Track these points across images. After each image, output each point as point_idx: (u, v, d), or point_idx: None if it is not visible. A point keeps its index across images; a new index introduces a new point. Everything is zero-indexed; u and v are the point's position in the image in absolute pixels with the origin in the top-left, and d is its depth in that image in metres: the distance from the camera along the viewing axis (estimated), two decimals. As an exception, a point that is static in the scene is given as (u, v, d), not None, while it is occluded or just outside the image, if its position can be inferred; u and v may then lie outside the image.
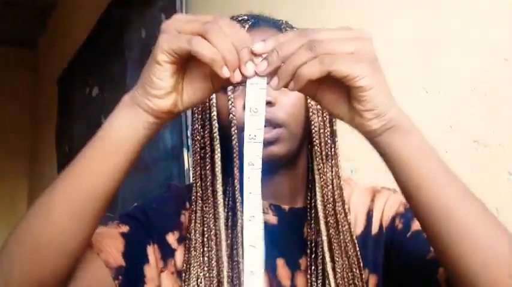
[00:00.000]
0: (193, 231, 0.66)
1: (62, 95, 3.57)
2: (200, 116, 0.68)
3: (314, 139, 0.64)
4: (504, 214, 0.83)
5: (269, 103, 0.58)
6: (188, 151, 1.77)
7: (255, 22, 0.66)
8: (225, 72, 0.46)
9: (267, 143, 0.58)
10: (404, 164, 0.47)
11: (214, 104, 0.65)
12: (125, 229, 0.67)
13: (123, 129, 0.53)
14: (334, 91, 0.48)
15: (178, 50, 0.47)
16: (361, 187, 0.72)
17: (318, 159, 0.64)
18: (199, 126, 0.68)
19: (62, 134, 3.52)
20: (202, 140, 0.67)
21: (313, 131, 0.64)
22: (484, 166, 0.86)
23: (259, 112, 0.48)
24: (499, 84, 0.85)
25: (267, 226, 0.54)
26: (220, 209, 0.64)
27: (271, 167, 0.60)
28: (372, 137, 0.49)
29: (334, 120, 0.67)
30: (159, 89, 0.50)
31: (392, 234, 0.65)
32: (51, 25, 4.05)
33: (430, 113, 0.96)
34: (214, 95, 0.65)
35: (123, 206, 2.36)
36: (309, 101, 0.64)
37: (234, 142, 0.63)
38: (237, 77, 0.47)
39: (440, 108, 0.95)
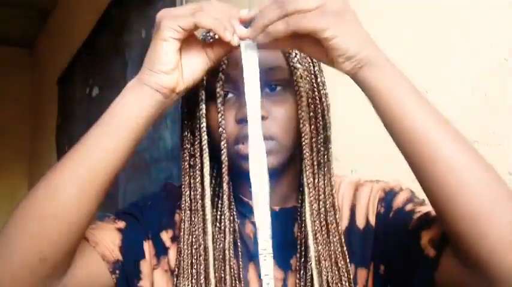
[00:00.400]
0: (182, 241, 0.66)
1: (62, 95, 3.57)
2: (190, 123, 0.67)
3: (304, 151, 0.63)
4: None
5: (261, 117, 0.59)
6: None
7: None
8: (227, 35, 0.53)
9: None
10: (379, 95, 0.52)
11: (203, 114, 0.64)
12: (121, 224, 0.68)
13: (132, 108, 0.57)
14: (313, 42, 0.52)
15: (183, 24, 0.53)
16: (347, 180, 0.72)
17: (308, 172, 0.63)
18: (189, 133, 0.67)
19: (62, 134, 3.52)
20: (191, 148, 0.67)
21: (304, 143, 0.63)
22: (484, 166, 0.86)
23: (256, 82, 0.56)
24: (499, 84, 0.85)
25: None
26: (209, 225, 0.63)
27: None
28: (350, 76, 0.55)
29: (328, 125, 0.66)
30: (165, 64, 0.56)
31: (379, 222, 0.66)
32: (51, 25, 4.05)
33: (430, 113, 0.96)
34: (203, 105, 0.64)
35: (123, 205, 2.36)
36: (299, 111, 0.63)
37: (223, 157, 0.63)
38: (236, 40, 0.54)
39: (440, 108, 0.94)
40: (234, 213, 0.67)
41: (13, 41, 4.43)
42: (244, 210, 0.68)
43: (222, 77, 0.62)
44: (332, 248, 0.63)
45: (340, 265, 0.63)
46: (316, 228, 0.63)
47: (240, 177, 0.64)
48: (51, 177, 0.57)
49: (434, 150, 0.50)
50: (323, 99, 0.65)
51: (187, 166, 0.67)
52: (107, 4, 2.57)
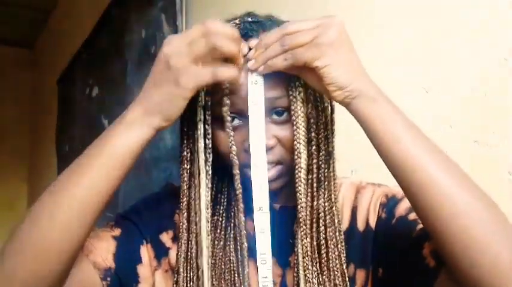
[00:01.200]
0: (179, 256, 0.66)
1: (62, 95, 3.57)
2: (191, 143, 0.65)
3: (297, 175, 0.61)
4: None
5: (270, 147, 0.61)
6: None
7: (245, 34, 0.64)
8: (241, 82, 0.58)
9: (269, 181, 0.61)
10: (372, 126, 0.54)
11: (201, 135, 0.63)
12: (117, 232, 0.69)
13: (134, 144, 0.59)
14: (310, 71, 0.55)
15: (203, 83, 0.55)
16: (347, 182, 0.73)
17: (302, 195, 0.61)
18: (189, 154, 0.65)
19: (62, 134, 3.52)
20: (191, 169, 0.65)
21: (297, 167, 0.61)
22: (484, 166, 0.86)
23: (260, 105, 0.59)
24: (499, 84, 0.85)
25: None
26: (205, 247, 0.63)
27: (270, 196, 0.62)
28: (344, 105, 0.57)
29: (330, 140, 0.64)
30: (179, 112, 0.57)
31: (380, 226, 0.66)
32: (51, 25, 4.05)
33: (430, 113, 0.96)
34: (202, 125, 0.63)
35: (123, 205, 2.36)
36: (295, 137, 0.61)
37: (236, 183, 0.61)
38: (243, 78, 0.59)
39: (440, 108, 0.95)
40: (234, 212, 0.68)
41: (13, 41, 4.43)
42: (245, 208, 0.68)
43: (227, 102, 0.60)
44: (331, 266, 0.63)
45: (333, 267, 0.63)
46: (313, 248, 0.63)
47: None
48: (47, 203, 0.58)
49: (426, 180, 0.51)
50: (328, 125, 0.64)
51: (186, 187, 0.66)
52: (107, 4, 2.57)
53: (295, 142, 0.61)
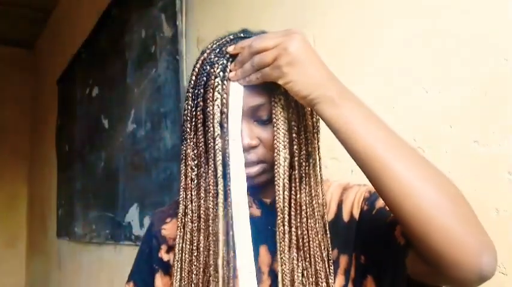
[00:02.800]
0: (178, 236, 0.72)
1: (62, 95, 3.57)
2: (199, 144, 0.69)
3: (277, 171, 0.66)
4: (504, 214, 0.84)
5: (252, 147, 0.67)
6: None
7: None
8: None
9: (252, 176, 0.68)
10: (336, 129, 0.60)
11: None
12: (131, 284, 0.82)
13: None
14: None
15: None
16: (335, 184, 0.79)
17: (280, 188, 0.66)
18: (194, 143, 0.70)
19: (62, 134, 3.52)
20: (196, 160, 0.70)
21: (276, 169, 0.66)
22: (484, 166, 0.86)
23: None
24: (499, 84, 0.85)
25: (252, 218, 0.65)
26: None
27: (255, 188, 0.70)
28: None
29: (310, 141, 0.70)
30: None
31: (362, 217, 0.71)
32: (51, 25, 4.05)
33: (430, 113, 0.96)
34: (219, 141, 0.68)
35: (123, 205, 2.37)
36: (275, 140, 0.67)
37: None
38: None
39: (440, 108, 0.95)
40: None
41: (13, 41, 4.44)
42: None
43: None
44: (312, 261, 0.67)
45: (314, 254, 0.67)
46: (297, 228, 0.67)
47: None
48: None
49: (379, 168, 0.57)
50: (309, 128, 0.70)
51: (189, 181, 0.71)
52: (107, 4, 2.57)
53: (275, 141, 0.66)
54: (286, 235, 0.66)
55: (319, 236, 0.68)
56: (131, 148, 2.28)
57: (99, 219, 2.67)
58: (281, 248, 0.65)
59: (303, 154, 0.68)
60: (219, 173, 0.65)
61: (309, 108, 0.69)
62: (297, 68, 0.60)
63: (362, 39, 1.13)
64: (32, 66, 4.57)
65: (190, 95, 0.70)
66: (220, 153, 0.66)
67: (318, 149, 0.71)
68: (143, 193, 2.14)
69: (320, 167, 0.71)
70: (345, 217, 0.73)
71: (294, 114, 0.67)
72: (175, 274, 0.70)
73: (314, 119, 0.70)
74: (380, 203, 0.69)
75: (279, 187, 0.66)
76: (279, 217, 0.66)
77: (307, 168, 0.69)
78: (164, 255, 0.80)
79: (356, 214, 0.72)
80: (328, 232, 0.69)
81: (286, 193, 0.66)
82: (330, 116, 0.60)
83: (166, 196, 1.92)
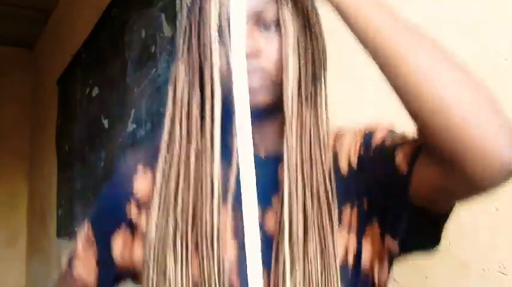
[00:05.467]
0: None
1: (62, 95, 3.57)
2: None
3: (285, 82, 0.62)
4: (504, 214, 0.83)
5: (255, 55, 0.62)
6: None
7: None
8: None
9: (253, 92, 0.61)
10: (344, 14, 0.57)
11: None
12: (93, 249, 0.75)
13: None
14: None
15: None
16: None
17: (289, 99, 0.62)
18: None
19: (62, 134, 3.52)
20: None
21: (285, 75, 0.62)
22: (484, 166, 0.86)
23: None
24: (499, 84, 0.85)
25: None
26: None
27: (257, 114, 0.62)
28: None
29: (317, 64, 0.66)
30: None
31: (360, 162, 0.67)
32: (51, 25, 4.05)
33: (430, 113, 0.96)
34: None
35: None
36: (283, 49, 0.63)
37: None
38: None
39: (440, 108, 0.95)
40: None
41: (13, 41, 4.44)
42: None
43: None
44: (315, 184, 0.63)
45: (321, 200, 0.63)
46: (297, 161, 0.63)
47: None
48: None
49: (404, 63, 0.54)
50: (314, 41, 0.66)
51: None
52: (107, 4, 2.57)
53: (283, 48, 0.62)
54: (296, 155, 0.62)
55: (324, 160, 0.64)
56: (131, 147, 2.28)
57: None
58: (290, 174, 0.61)
59: (308, 74, 0.64)
60: (217, 98, 0.61)
61: (317, 32, 0.66)
62: None
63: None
64: (32, 66, 4.57)
65: (185, 12, 0.66)
66: (217, 66, 0.61)
67: (325, 79, 0.67)
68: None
69: (326, 95, 0.67)
70: (343, 169, 0.68)
71: (303, 32, 0.64)
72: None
73: (324, 44, 0.67)
74: (376, 140, 0.66)
75: (287, 92, 0.62)
76: (287, 139, 0.62)
77: (311, 91, 0.65)
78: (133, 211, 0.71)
79: (354, 163, 0.68)
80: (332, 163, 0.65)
81: (295, 111, 0.63)
82: (337, 2, 0.57)
83: (166, 195, 1.92)
